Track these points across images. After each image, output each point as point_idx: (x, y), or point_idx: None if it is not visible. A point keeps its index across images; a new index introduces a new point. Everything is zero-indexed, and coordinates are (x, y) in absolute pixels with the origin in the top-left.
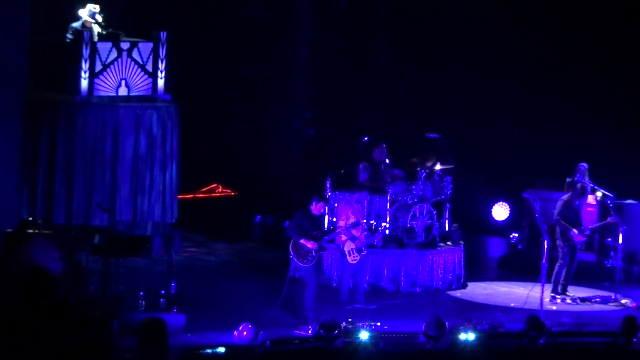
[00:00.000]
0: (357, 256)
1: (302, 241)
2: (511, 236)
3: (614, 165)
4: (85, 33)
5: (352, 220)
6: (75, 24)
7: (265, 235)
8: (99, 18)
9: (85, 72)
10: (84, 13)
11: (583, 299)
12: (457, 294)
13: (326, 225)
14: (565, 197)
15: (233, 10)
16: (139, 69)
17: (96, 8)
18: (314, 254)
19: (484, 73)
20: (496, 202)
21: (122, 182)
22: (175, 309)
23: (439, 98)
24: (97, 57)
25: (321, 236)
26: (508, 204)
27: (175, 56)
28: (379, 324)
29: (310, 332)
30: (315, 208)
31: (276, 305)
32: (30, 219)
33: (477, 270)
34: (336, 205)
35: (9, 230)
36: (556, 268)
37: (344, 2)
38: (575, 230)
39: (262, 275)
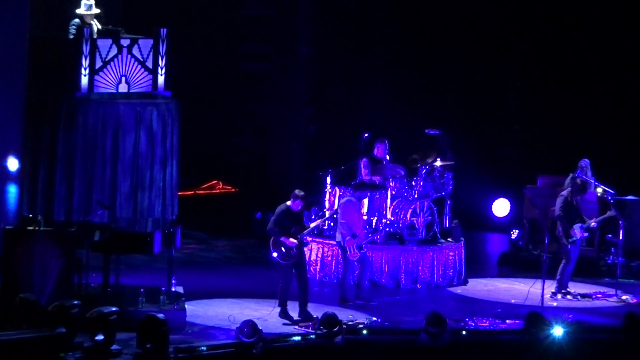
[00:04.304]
0: (356, 253)
1: (282, 239)
2: (512, 232)
3: (615, 161)
4: (85, 29)
5: (355, 218)
6: (76, 20)
7: (265, 231)
8: (96, 10)
9: (85, 69)
10: (80, 10)
11: (584, 295)
12: (458, 290)
13: (326, 223)
14: (564, 193)
15: (233, 6)
16: (139, 66)
17: (90, 1)
18: (295, 250)
19: (484, 69)
20: (497, 198)
21: (123, 179)
22: (175, 306)
23: (439, 94)
24: (97, 53)
25: (300, 232)
26: (509, 200)
27: (175, 53)
28: (379, 320)
29: (311, 328)
30: (294, 204)
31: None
32: (31, 215)
33: (477, 267)
34: (337, 202)
35: (10, 227)
36: (561, 266)
37: None
38: (576, 228)
39: (263, 272)
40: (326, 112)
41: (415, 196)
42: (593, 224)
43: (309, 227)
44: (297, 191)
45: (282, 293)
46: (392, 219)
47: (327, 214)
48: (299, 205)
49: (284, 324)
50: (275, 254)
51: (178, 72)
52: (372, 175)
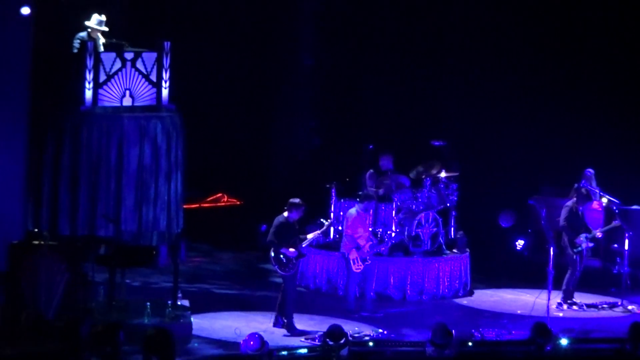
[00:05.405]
0: (360, 265)
1: (282, 250)
2: (517, 243)
3: (620, 170)
4: (89, 43)
5: (359, 229)
6: (82, 34)
7: (266, 243)
8: (105, 28)
9: (89, 83)
10: (91, 23)
11: (589, 306)
12: (464, 301)
13: (332, 235)
14: (569, 203)
15: (237, 19)
16: (143, 79)
17: (103, 17)
18: (294, 261)
19: (489, 80)
20: (502, 209)
21: (127, 192)
22: (181, 319)
23: (444, 105)
24: (101, 67)
25: (299, 242)
26: (514, 211)
27: (179, 65)
28: (385, 332)
29: (317, 341)
30: (291, 214)
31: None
32: (36, 230)
33: (483, 278)
34: (342, 214)
35: (15, 242)
36: (567, 276)
37: (347, 8)
38: (582, 237)
39: (268, 284)
40: (330, 124)
41: (421, 207)
42: (599, 234)
43: (308, 237)
44: (292, 200)
45: (288, 304)
46: (397, 230)
47: (326, 224)
48: (296, 214)
49: (288, 336)
50: (275, 265)
51: (182, 85)
52: (376, 187)
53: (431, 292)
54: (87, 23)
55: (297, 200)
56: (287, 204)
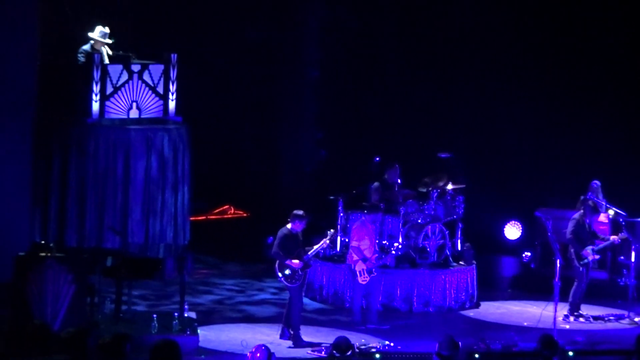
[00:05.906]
0: (367, 277)
1: (287, 262)
2: (524, 255)
3: (626, 182)
4: (95, 55)
5: (366, 241)
6: (85, 47)
7: (270, 255)
8: (109, 41)
9: (96, 95)
10: (94, 34)
11: (596, 318)
12: (470, 313)
13: (338, 247)
14: (576, 215)
15: (242, 30)
16: (150, 91)
17: (107, 29)
18: (300, 272)
19: (495, 92)
20: (508, 221)
21: (134, 205)
22: (188, 331)
23: (450, 117)
24: (107, 79)
25: (304, 253)
26: (520, 223)
27: (186, 78)
28: (392, 344)
29: (323, 353)
30: (295, 226)
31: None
32: (43, 242)
33: (490, 290)
34: (349, 226)
35: (22, 253)
36: (573, 288)
37: (353, 21)
38: (588, 249)
39: (274, 296)
40: (337, 136)
41: (427, 220)
42: (617, 238)
43: (313, 248)
44: (295, 212)
45: (294, 316)
46: (404, 242)
47: (330, 234)
48: (299, 226)
49: (294, 348)
50: (281, 277)
51: (189, 97)
52: (383, 199)
53: (438, 304)
54: (90, 35)
55: (300, 211)
56: (290, 215)
